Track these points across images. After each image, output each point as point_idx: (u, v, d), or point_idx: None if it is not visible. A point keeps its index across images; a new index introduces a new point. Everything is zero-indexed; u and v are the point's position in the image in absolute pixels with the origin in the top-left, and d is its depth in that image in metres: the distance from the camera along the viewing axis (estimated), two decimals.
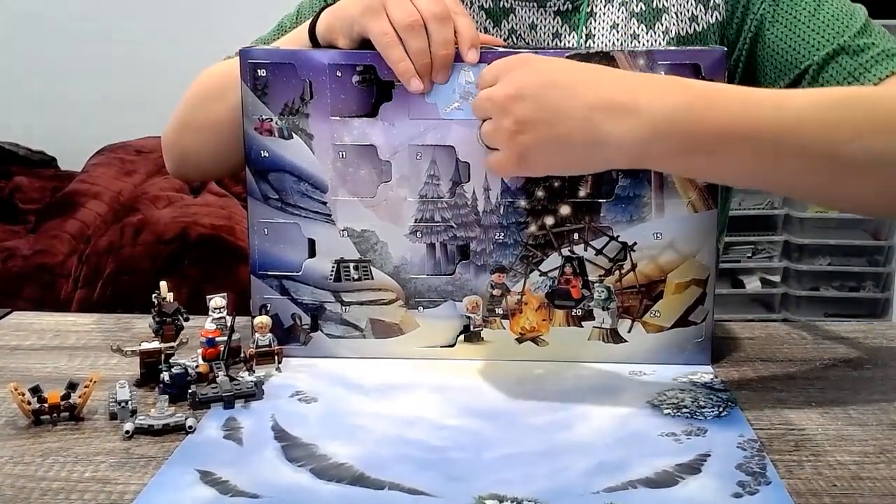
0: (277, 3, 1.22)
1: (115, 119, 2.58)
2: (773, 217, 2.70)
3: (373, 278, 0.87)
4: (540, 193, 0.84)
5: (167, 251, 1.71)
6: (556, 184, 0.84)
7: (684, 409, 0.77)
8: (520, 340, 0.87)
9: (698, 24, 0.95)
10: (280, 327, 0.87)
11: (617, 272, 0.85)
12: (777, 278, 2.77)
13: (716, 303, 0.86)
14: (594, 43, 0.96)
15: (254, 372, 0.83)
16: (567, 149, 0.72)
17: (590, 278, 0.85)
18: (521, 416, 0.76)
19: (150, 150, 2.28)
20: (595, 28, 0.97)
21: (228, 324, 0.84)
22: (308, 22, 0.91)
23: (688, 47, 0.92)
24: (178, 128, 1.02)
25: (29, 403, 0.74)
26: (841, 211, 0.75)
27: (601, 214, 0.84)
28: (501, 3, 0.99)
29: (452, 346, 0.87)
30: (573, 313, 0.86)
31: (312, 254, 0.87)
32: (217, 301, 0.85)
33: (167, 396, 0.76)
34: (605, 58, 0.80)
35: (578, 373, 0.84)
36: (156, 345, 0.82)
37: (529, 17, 0.98)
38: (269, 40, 1.00)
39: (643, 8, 0.96)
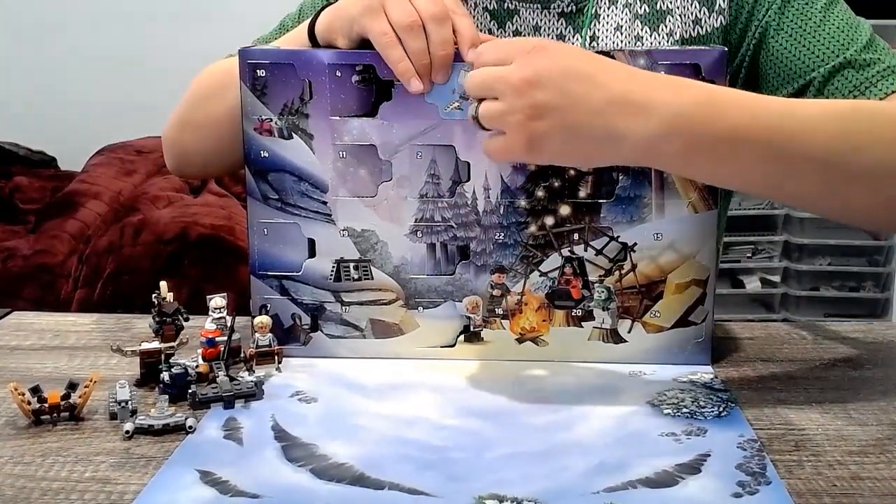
0: (278, 2, 1.22)
1: (114, 119, 2.59)
2: (773, 217, 2.70)
3: (373, 278, 0.87)
4: (540, 193, 0.84)
5: (167, 251, 1.71)
6: (556, 184, 0.84)
7: (684, 409, 0.77)
8: (520, 341, 0.87)
9: (702, 27, 0.95)
10: (280, 327, 0.87)
11: (617, 272, 0.85)
12: (777, 278, 2.77)
13: (716, 303, 0.86)
14: (598, 45, 0.97)
15: (254, 372, 0.83)
16: (579, 140, 0.71)
17: (590, 278, 0.85)
18: (521, 416, 0.76)
19: (150, 150, 2.28)
20: (599, 30, 0.97)
21: (228, 324, 0.84)
22: (307, 21, 0.91)
23: (688, 47, 0.92)
24: (179, 125, 1.02)
25: (29, 403, 0.74)
26: (839, 221, 0.76)
27: (601, 215, 0.84)
28: (505, 4, 0.99)
29: (452, 346, 0.87)
30: (573, 313, 0.86)
31: (312, 254, 0.87)
32: (217, 301, 0.85)
33: (167, 396, 0.76)
34: (607, 57, 0.80)
35: (578, 373, 0.84)
36: (156, 345, 0.82)
37: (533, 19, 0.98)
38: (271, 40, 1.00)
39: (647, 10, 0.96)
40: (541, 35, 0.98)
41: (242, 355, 0.85)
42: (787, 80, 0.90)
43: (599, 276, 0.85)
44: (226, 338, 0.83)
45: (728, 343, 0.92)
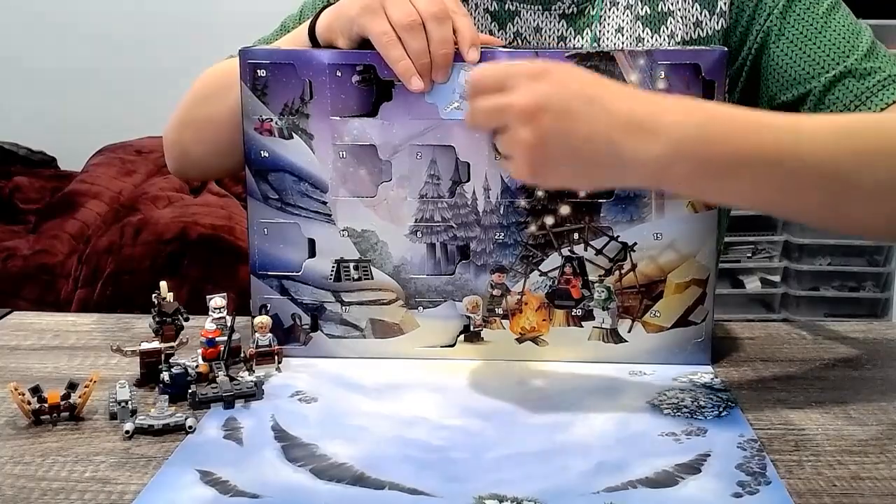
0: (280, 3, 1.22)
1: (115, 119, 2.58)
2: (773, 217, 2.70)
3: (373, 278, 0.87)
4: (540, 193, 0.84)
5: (167, 251, 1.71)
6: None
7: (684, 409, 0.77)
8: (520, 340, 0.87)
9: (702, 30, 0.95)
10: (280, 327, 0.87)
11: (617, 272, 0.85)
12: (777, 278, 2.77)
13: (716, 303, 0.86)
14: (599, 46, 0.96)
15: (254, 372, 0.83)
16: (585, 166, 0.71)
17: (590, 278, 0.85)
18: (521, 416, 0.76)
19: (150, 151, 2.28)
20: (601, 31, 0.96)
21: (228, 324, 0.84)
22: (308, 22, 0.91)
23: (688, 47, 0.92)
24: (179, 126, 1.02)
25: (29, 403, 0.74)
26: (843, 233, 0.76)
27: (601, 214, 0.84)
28: (506, 5, 0.99)
29: (452, 346, 0.87)
30: (573, 313, 0.86)
31: (312, 254, 0.87)
32: (217, 301, 0.85)
33: (167, 396, 0.76)
34: (606, 58, 0.80)
35: (578, 373, 0.84)
36: (156, 345, 0.82)
37: (534, 21, 0.98)
38: (272, 40, 1.00)
39: (648, 12, 0.96)
40: (541, 37, 0.98)
41: (242, 355, 0.85)
42: (787, 86, 0.90)
43: (599, 275, 0.85)
44: (226, 338, 0.83)
45: (728, 343, 0.92)
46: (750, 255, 2.76)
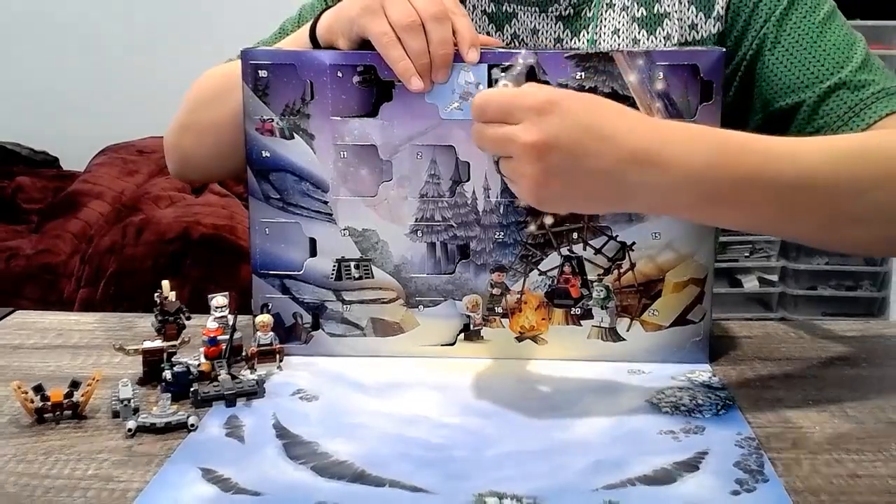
0: (279, 5, 1.22)
1: (117, 119, 2.59)
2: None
3: (373, 277, 0.87)
4: None
5: (169, 251, 1.71)
6: None
7: (683, 408, 0.77)
8: (519, 339, 0.87)
9: (698, 33, 0.95)
10: (281, 326, 0.88)
11: (616, 271, 0.85)
12: (775, 277, 2.78)
13: (714, 302, 0.86)
14: (597, 48, 0.96)
15: (255, 370, 0.83)
16: (590, 196, 0.72)
17: (589, 277, 0.86)
18: (520, 415, 0.76)
19: (152, 150, 2.29)
20: (598, 33, 0.97)
21: (230, 323, 0.84)
22: (309, 24, 0.91)
23: (686, 48, 0.92)
24: (180, 130, 1.03)
25: (32, 402, 0.75)
26: (839, 252, 0.78)
27: (600, 214, 0.84)
28: (504, 7, 0.99)
29: (452, 344, 0.88)
30: (572, 312, 0.86)
31: (313, 253, 0.87)
32: (219, 300, 0.85)
33: (169, 395, 0.76)
34: (605, 58, 0.81)
35: (577, 371, 0.85)
36: (158, 343, 0.83)
37: (532, 22, 0.98)
38: (271, 43, 1.01)
39: (644, 13, 0.96)
40: (538, 38, 0.98)
41: (244, 354, 0.85)
42: (781, 94, 0.90)
43: (598, 275, 0.86)
44: (227, 336, 0.83)
45: (726, 342, 0.92)
46: (748, 254, 2.76)
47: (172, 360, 0.81)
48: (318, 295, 0.88)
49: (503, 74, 0.79)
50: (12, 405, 0.77)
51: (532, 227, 0.85)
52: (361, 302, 0.87)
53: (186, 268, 1.67)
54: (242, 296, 0.92)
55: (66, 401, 0.75)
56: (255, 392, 0.79)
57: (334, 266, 0.87)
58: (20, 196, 2.31)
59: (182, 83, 1.04)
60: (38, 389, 0.75)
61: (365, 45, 0.84)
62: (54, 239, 1.97)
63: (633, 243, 0.84)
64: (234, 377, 0.80)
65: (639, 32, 0.96)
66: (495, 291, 0.86)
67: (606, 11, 0.97)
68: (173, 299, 0.84)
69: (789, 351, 0.90)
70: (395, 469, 0.67)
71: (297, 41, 0.92)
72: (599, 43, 0.97)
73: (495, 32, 0.99)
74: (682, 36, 0.95)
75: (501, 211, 0.85)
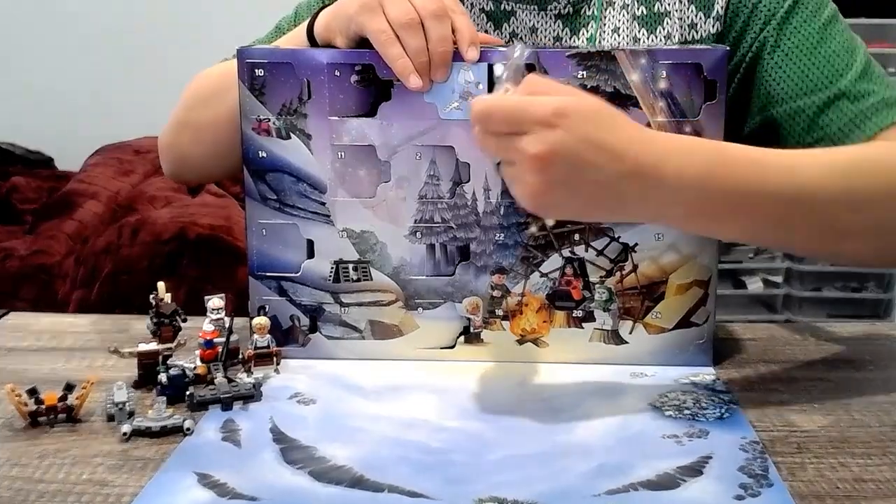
0: (276, 4, 1.21)
1: (112, 119, 2.58)
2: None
3: (372, 279, 0.86)
4: None
5: (165, 251, 1.70)
6: None
7: (686, 411, 0.76)
8: (520, 342, 0.86)
9: (697, 32, 0.94)
10: (279, 328, 0.87)
11: (618, 273, 0.85)
12: (779, 279, 2.77)
13: (717, 304, 0.86)
14: (597, 46, 0.96)
15: (252, 373, 0.83)
16: (588, 206, 0.72)
17: (591, 279, 0.85)
18: (521, 418, 0.76)
19: (147, 150, 2.28)
20: (598, 32, 0.96)
21: (226, 325, 0.83)
22: (306, 22, 0.90)
23: (689, 47, 0.92)
24: (177, 129, 1.02)
25: (26, 405, 0.74)
26: (836, 264, 0.80)
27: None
28: (502, 5, 0.98)
29: (452, 347, 0.87)
30: (574, 314, 0.86)
31: (311, 254, 0.86)
32: (215, 302, 0.84)
33: (165, 398, 0.75)
34: (607, 57, 0.80)
35: (579, 374, 0.84)
36: (153, 346, 0.82)
37: (530, 21, 0.97)
38: (267, 42, 1.00)
39: (644, 12, 0.95)
40: (537, 36, 0.97)
41: (241, 357, 0.85)
42: (779, 99, 0.89)
43: (600, 276, 0.85)
44: (224, 339, 0.82)
45: (730, 344, 0.91)
46: (752, 255, 2.75)
47: (168, 362, 0.80)
48: (315, 297, 0.87)
49: (503, 74, 0.77)
50: (6, 408, 0.76)
51: (533, 229, 0.84)
52: (360, 304, 0.87)
53: (182, 269, 1.67)
54: (239, 298, 0.92)
55: (61, 404, 0.74)
56: (251, 395, 0.78)
57: (332, 268, 0.86)
58: (15, 196, 2.30)
59: (178, 83, 1.03)
60: (33, 392, 0.75)
61: (363, 43, 0.83)
62: (49, 239, 1.96)
63: (636, 245, 0.84)
64: (230, 380, 0.79)
65: (639, 31, 0.95)
66: (496, 293, 0.86)
67: (606, 9, 0.96)
68: (169, 301, 0.83)
69: (794, 353, 0.90)
70: (394, 474, 0.67)
71: (294, 39, 0.92)
72: (599, 41, 0.96)
73: (493, 30, 0.99)
74: (682, 35, 0.94)
75: (502, 212, 0.84)
